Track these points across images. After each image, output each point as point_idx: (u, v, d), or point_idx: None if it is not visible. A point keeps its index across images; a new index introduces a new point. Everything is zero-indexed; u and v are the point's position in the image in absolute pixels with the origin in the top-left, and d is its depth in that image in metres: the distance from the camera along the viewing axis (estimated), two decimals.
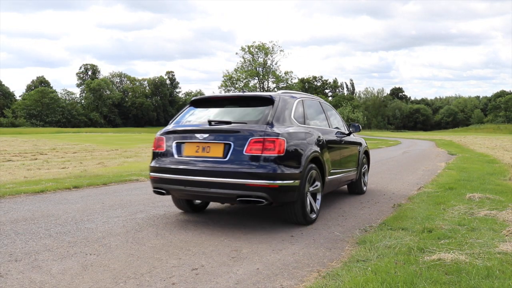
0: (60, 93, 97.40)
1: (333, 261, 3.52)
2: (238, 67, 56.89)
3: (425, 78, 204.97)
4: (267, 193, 4.22)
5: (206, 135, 4.54)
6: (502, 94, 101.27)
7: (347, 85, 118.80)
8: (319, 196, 5.10)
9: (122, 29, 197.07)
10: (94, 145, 24.23)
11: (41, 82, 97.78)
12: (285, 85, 56.24)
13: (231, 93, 5.66)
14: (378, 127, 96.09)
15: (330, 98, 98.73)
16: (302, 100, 5.37)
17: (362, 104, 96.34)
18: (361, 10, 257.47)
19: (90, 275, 3.14)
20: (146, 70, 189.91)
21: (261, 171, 4.22)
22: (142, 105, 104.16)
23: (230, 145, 4.39)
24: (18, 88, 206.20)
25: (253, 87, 55.63)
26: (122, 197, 6.55)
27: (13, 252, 3.66)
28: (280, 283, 3.02)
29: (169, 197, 6.55)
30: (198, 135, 4.59)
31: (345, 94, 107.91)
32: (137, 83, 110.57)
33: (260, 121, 4.51)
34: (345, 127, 6.83)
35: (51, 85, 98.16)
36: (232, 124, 4.53)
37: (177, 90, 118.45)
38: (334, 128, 6.26)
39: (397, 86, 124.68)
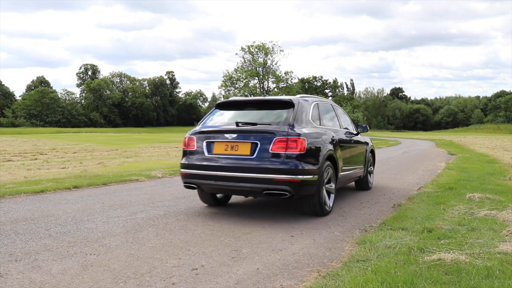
0: (60, 93, 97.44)
1: (333, 261, 3.52)
2: (238, 67, 56.80)
3: (425, 78, 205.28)
4: (290, 187, 4.66)
5: (234, 135, 4.99)
6: (502, 94, 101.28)
7: (347, 85, 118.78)
8: (333, 191, 5.51)
9: (122, 29, 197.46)
10: (94, 145, 24.20)
11: (41, 82, 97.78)
12: (285, 85, 56.13)
13: (253, 97, 6.07)
14: (378, 127, 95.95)
15: (330, 98, 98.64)
16: (317, 103, 5.84)
17: (362, 104, 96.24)
18: (361, 10, 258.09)
19: (90, 275, 3.14)
20: (146, 70, 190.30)
21: (285, 167, 4.68)
22: (142, 105, 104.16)
23: (256, 144, 4.84)
24: (18, 88, 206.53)
25: (253, 87, 55.55)
26: (122, 197, 6.55)
27: (13, 252, 3.66)
28: (280, 283, 3.03)
29: (169, 197, 6.58)
30: (227, 135, 5.05)
31: (345, 94, 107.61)
32: (137, 83, 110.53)
33: (282, 123, 4.98)
34: (354, 127, 7.30)
35: (51, 85, 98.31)
36: (258, 125, 5.00)
37: (177, 90, 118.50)
38: (344, 128, 6.68)
39: (397, 86, 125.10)
